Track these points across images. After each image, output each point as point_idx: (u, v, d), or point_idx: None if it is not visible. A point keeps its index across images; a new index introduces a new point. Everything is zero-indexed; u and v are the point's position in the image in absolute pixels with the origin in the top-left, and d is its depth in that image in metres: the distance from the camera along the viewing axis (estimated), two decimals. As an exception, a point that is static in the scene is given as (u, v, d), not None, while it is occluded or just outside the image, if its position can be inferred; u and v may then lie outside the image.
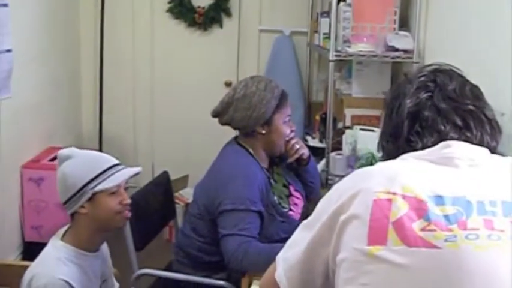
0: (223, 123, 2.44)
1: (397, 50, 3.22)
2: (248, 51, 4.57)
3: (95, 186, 1.84)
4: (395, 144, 1.24)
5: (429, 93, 1.23)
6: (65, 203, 1.87)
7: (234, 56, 4.58)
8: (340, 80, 3.77)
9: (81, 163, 1.87)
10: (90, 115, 4.64)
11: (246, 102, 2.32)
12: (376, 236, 1.07)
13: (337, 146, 3.40)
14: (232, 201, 2.20)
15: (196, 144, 4.65)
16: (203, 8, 4.47)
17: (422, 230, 1.05)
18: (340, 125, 3.66)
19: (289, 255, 1.24)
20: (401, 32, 3.33)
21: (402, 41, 3.25)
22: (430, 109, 1.21)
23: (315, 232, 1.18)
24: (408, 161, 1.17)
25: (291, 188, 2.51)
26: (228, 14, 4.51)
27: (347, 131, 3.40)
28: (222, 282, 2.34)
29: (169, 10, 4.50)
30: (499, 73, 2.23)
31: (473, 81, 1.30)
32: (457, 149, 1.15)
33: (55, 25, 4.06)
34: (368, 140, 3.31)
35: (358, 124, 3.53)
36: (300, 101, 4.38)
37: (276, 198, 2.39)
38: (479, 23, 2.53)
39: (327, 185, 3.15)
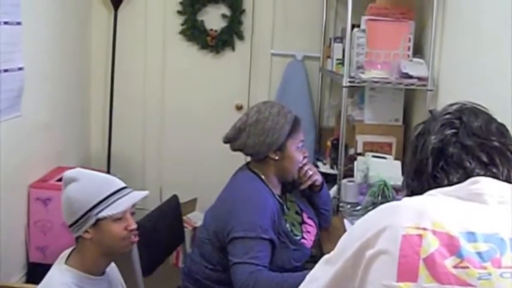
0: (235, 149, 2.40)
1: (411, 77, 3.19)
2: (260, 75, 4.55)
3: (99, 212, 1.79)
4: (420, 181, 1.23)
5: (454, 130, 1.21)
6: (70, 226, 1.84)
7: (245, 79, 4.56)
8: (353, 106, 3.74)
9: (86, 187, 1.83)
10: (99, 136, 4.62)
11: (259, 127, 2.29)
12: (406, 273, 1.04)
13: (348, 173, 3.35)
14: (243, 228, 2.15)
15: (206, 167, 4.61)
16: (216, 30, 4.46)
17: (455, 267, 1.02)
18: (351, 151, 3.62)
19: None
20: (415, 59, 3.30)
21: (416, 68, 3.22)
22: (455, 146, 1.19)
23: (338, 267, 1.15)
24: (436, 197, 1.14)
25: (304, 215, 2.46)
26: (241, 37, 4.49)
27: (359, 158, 3.36)
28: (230, 311, 2.28)
29: (182, 32, 4.49)
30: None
31: (487, 111, 1.29)
32: (485, 185, 1.13)
33: (67, 45, 4.06)
34: (380, 167, 3.27)
35: (370, 151, 3.49)
36: (311, 126, 4.34)
37: (288, 225, 2.34)
38: (494, 51, 2.50)
39: (338, 212, 3.09)
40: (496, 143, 1.19)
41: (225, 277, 2.22)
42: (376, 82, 3.20)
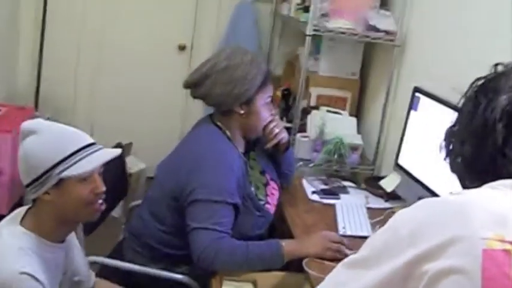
0: (196, 97, 2.12)
1: (378, 30, 2.99)
2: (207, 15, 4.24)
3: (62, 171, 1.50)
4: (476, 148, 0.98)
5: None
6: (27, 186, 1.54)
7: (191, 18, 4.24)
8: (307, 56, 3.51)
9: (47, 141, 1.52)
10: (28, 69, 4.17)
11: (228, 75, 2.02)
12: None
13: (301, 127, 3.15)
14: (208, 190, 1.90)
15: (142, 110, 4.33)
16: (159, -37, 4.10)
17: None
18: (303, 103, 3.41)
19: None
20: (382, 11, 3.10)
21: (383, 21, 3.02)
22: None
23: (381, 277, 0.91)
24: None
25: (267, 177, 2.24)
26: (187, -29, 4.15)
27: (313, 112, 3.17)
28: (181, 277, 2.06)
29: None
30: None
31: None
32: None
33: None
34: (336, 123, 3.10)
35: (325, 105, 3.30)
36: (258, 74, 4.10)
37: (253, 189, 2.11)
38: (471, 9, 2.34)
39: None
40: None
41: (178, 242, 2.00)
42: (343, 33, 2.98)
